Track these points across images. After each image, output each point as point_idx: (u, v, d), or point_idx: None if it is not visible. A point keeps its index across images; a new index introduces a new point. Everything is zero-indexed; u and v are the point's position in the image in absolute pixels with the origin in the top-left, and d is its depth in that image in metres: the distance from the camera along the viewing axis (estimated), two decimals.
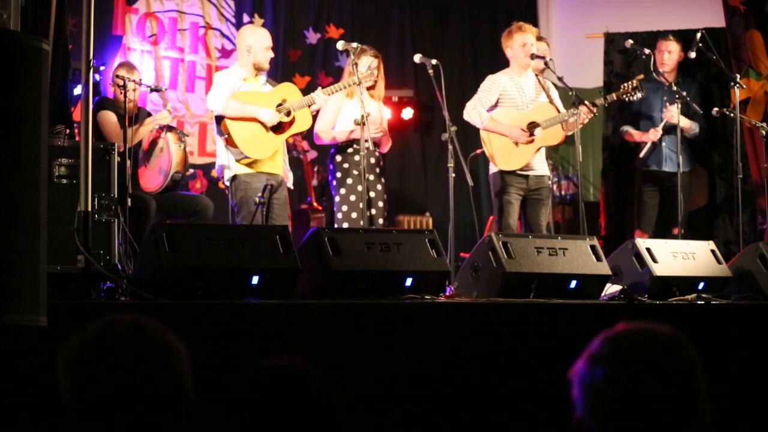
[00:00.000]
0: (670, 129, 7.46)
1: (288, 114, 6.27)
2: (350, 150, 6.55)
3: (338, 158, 6.56)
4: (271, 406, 1.75)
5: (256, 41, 6.42)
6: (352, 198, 6.51)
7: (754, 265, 5.76)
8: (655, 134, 7.46)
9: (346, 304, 4.48)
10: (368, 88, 6.64)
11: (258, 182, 6.28)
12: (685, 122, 7.34)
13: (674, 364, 1.85)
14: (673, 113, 7.23)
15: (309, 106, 6.34)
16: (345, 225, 6.44)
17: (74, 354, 1.84)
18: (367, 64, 6.59)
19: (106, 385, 1.81)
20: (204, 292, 4.29)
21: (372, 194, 6.59)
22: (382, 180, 6.71)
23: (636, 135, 7.67)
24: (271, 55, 6.46)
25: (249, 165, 6.32)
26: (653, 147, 7.53)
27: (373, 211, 6.57)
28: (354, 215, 6.47)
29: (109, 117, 6.31)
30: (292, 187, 6.63)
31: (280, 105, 6.30)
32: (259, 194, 6.26)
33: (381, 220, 6.63)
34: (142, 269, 4.55)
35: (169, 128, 6.43)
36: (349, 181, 6.55)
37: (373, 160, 6.62)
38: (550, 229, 7.04)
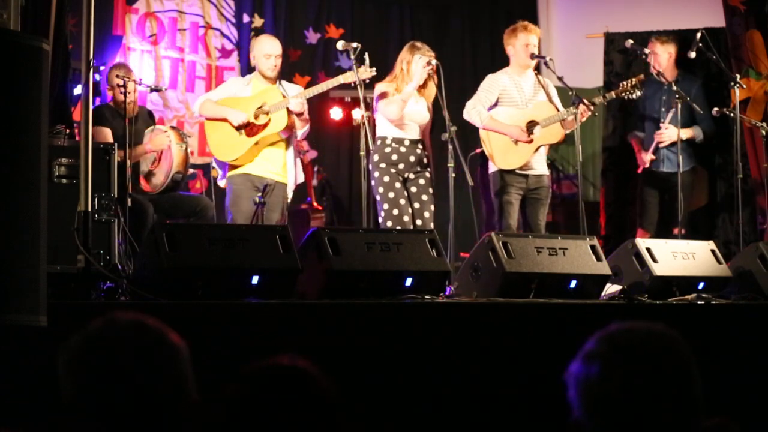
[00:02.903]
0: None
1: (266, 114, 6.38)
2: (388, 149, 6.53)
3: (375, 158, 6.51)
4: (271, 406, 1.75)
5: (258, 50, 6.61)
6: (391, 195, 6.48)
7: (754, 265, 5.76)
8: (648, 157, 7.53)
9: (346, 304, 4.48)
10: (420, 87, 6.61)
11: (241, 184, 6.42)
12: (686, 133, 7.34)
13: (668, 360, 1.85)
14: (667, 135, 7.27)
15: (288, 110, 6.42)
16: (389, 223, 6.41)
17: (75, 353, 1.84)
18: (419, 63, 6.53)
19: (108, 384, 1.80)
20: (204, 292, 4.29)
21: (414, 189, 6.54)
22: (427, 174, 6.63)
23: (639, 153, 7.67)
24: (273, 63, 6.53)
25: (235, 167, 6.48)
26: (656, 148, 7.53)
27: (416, 205, 6.54)
28: (396, 212, 6.46)
29: (103, 132, 6.28)
30: (290, 190, 6.64)
31: (259, 108, 6.41)
32: (259, 194, 6.34)
33: (427, 214, 6.56)
34: (142, 269, 4.55)
35: (171, 127, 6.44)
36: (386, 178, 6.50)
37: (413, 158, 6.54)
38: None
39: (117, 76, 6.38)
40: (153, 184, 6.42)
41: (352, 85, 6.35)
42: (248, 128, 6.41)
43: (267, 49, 6.56)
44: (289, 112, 6.39)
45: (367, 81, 6.46)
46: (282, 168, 6.55)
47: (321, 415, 1.76)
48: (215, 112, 6.48)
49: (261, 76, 6.58)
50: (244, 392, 1.77)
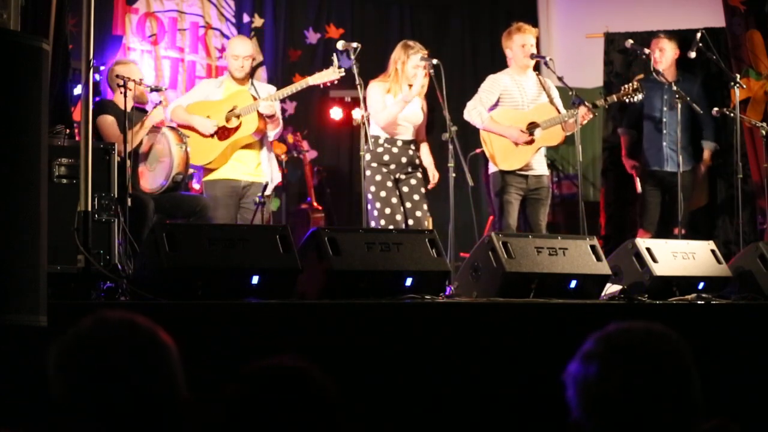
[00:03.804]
0: (671, 128, 7.48)
1: (238, 118, 6.46)
2: (380, 149, 6.53)
3: (367, 157, 6.51)
4: (271, 406, 1.75)
5: (228, 51, 6.77)
6: (383, 194, 6.49)
7: (754, 265, 5.76)
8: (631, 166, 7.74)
9: (346, 304, 4.48)
10: (411, 86, 6.63)
11: (214, 190, 6.50)
12: (707, 156, 7.66)
13: (667, 359, 1.85)
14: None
15: (259, 113, 6.49)
16: (382, 222, 6.42)
17: (66, 352, 1.83)
18: (416, 63, 6.51)
19: (101, 383, 1.80)
20: (204, 292, 4.29)
21: (405, 189, 6.55)
22: (419, 174, 6.65)
23: (624, 157, 7.82)
24: (240, 64, 6.61)
25: (209, 171, 6.58)
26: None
27: (408, 205, 6.55)
28: (388, 210, 6.46)
29: (108, 121, 6.30)
30: (268, 192, 6.71)
31: (231, 111, 6.49)
32: (259, 194, 6.40)
33: (419, 213, 6.57)
34: (142, 269, 4.55)
35: (171, 128, 6.44)
36: (378, 177, 6.51)
37: (404, 159, 6.55)
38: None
39: (117, 76, 6.36)
40: (153, 184, 6.43)
41: (325, 85, 6.53)
42: (220, 132, 6.49)
43: (236, 51, 6.66)
44: (260, 114, 6.45)
45: (336, 82, 6.57)
46: (256, 168, 6.65)
47: (321, 415, 1.76)
48: (184, 119, 6.55)
49: (232, 78, 6.66)
50: (244, 392, 1.77)
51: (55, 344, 1.86)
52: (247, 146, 6.59)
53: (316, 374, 1.79)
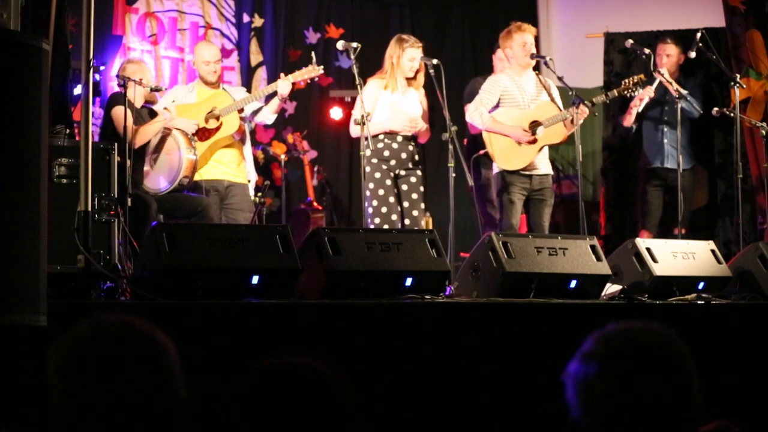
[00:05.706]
0: (672, 125, 7.48)
1: (217, 119, 6.55)
2: (380, 145, 6.55)
3: (367, 152, 6.52)
4: (284, 404, 1.75)
5: (198, 58, 6.88)
6: (381, 192, 6.51)
7: (754, 265, 5.76)
8: (648, 92, 7.41)
9: (346, 304, 4.48)
10: (409, 80, 6.64)
11: (195, 190, 6.56)
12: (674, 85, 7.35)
13: (666, 359, 1.85)
14: (663, 73, 7.29)
15: (240, 111, 6.60)
16: (377, 220, 6.44)
17: (64, 355, 1.83)
18: (411, 56, 6.58)
19: (97, 384, 1.80)
20: (204, 292, 4.29)
21: (405, 187, 6.57)
22: (418, 172, 6.67)
23: (627, 114, 7.65)
24: (212, 68, 6.75)
25: None
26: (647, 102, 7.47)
27: (406, 204, 6.56)
28: (384, 209, 6.47)
29: (123, 113, 6.34)
30: (251, 192, 6.83)
31: (210, 112, 6.57)
32: (259, 194, 6.42)
33: (416, 212, 6.59)
34: (142, 269, 4.54)
35: (180, 131, 6.46)
36: (377, 175, 6.52)
37: (404, 155, 6.57)
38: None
39: (117, 76, 6.40)
40: (157, 185, 6.46)
41: (306, 82, 6.65)
42: (200, 133, 6.54)
43: (206, 56, 6.78)
44: (239, 111, 6.56)
45: (317, 78, 6.68)
46: (237, 168, 6.73)
47: (336, 415, 1.76)
48: (166, 123, 6.56)
49: (203, 82, 6.77)
50: (256, 389, 1.77)
51: (53, 347, 1.86)
52: (228, 146, 6.68)
53: (328, 372, 1.79)
